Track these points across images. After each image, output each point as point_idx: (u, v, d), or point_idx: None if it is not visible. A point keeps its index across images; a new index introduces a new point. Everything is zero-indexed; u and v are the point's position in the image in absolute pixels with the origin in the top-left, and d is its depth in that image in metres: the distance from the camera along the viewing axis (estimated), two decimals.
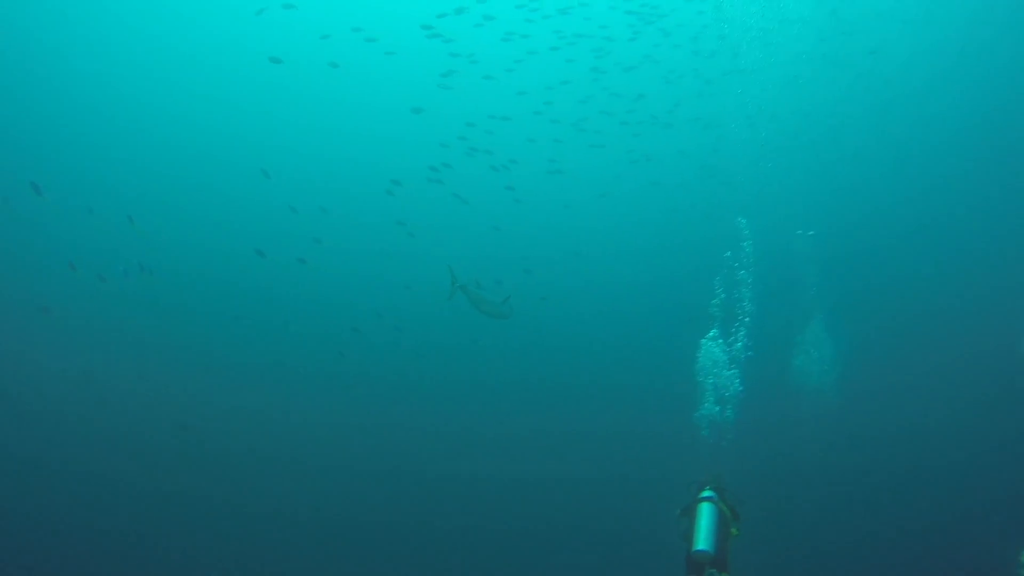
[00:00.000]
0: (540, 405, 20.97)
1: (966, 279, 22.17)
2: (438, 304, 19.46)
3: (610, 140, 23.34)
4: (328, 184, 24.04)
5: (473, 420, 20.37)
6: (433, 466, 18.96)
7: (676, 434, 12.36)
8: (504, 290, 14.73)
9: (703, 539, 7.51)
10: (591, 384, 21.53)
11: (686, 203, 24.07)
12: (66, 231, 21.05)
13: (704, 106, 23.05)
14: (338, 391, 21.38)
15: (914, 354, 20.54)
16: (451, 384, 21.66)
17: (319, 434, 19.92)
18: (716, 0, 22.27)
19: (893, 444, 17.73)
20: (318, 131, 25.25)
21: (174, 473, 17.69)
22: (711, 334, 11.96)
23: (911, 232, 23.96)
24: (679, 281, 21.96)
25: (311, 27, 22.12)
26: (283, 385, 21.40)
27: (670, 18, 22.03)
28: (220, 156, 24.46)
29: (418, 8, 21.39)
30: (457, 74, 19.87)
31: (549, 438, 19.58)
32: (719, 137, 22.90)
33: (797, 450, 17.21)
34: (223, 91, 24.73)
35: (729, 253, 14.25)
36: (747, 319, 12.70)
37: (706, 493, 7.94)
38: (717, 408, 11.53)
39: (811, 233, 20.38)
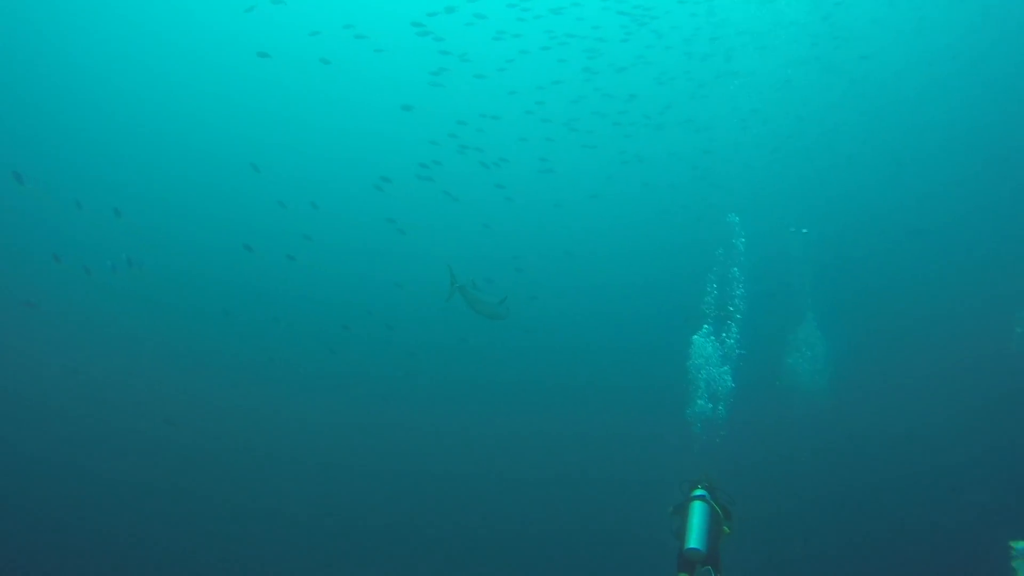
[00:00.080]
0: (531, 404, 20.90)
1: (957, 280, 22.29)
2: (428, 302, 19.45)
3: (602, 141, 23.28)
4: (317, 181, 23.95)
5: (463, 418, 20.26)
6: (422, 464, 18.82)
7: (668, 432, 12.29)
8: (494, 288, 14.62)
9: (695, 537, 7.44)
10: (582, 383, 21.49)
11: (678, 204, 24.02)
12: (53, 225, 20.85)
13: (696, 108, 23.05)
14: (328, 388, 21.26)
15: (905, 354, 20.64)
16: (441, 382, 21.57)
17: (308, 431, 19.77)
18: (709, 3, 22.26)
19: (884, 442, 17.75)
20: (307, 127, 25.18)
21: (159, 468, 17.50)
22: (703, 330, 11.89)
23: (903, 234, 24.06)
24: (671, 281, 21.96)
25: (301, 24, 22.01)
26: (272, 382, 21.25)
27: (663, 20, 21.98)
28: (210, 152, 24.39)
29: (409, 6, 21.29)
30: (448, 72, 19.74)
31: (539, 436, 19.50)
32: (711, 139, 22.90)
33: (789, 448, 17.24)
34: (213, 86, 24.70)
35: (721, 250, 14.21)
36: (739, 316, 12.64)
37: (698, 492, 7.86)
38: (709, 405, 11.46)
39: (805, 231, 20.40)
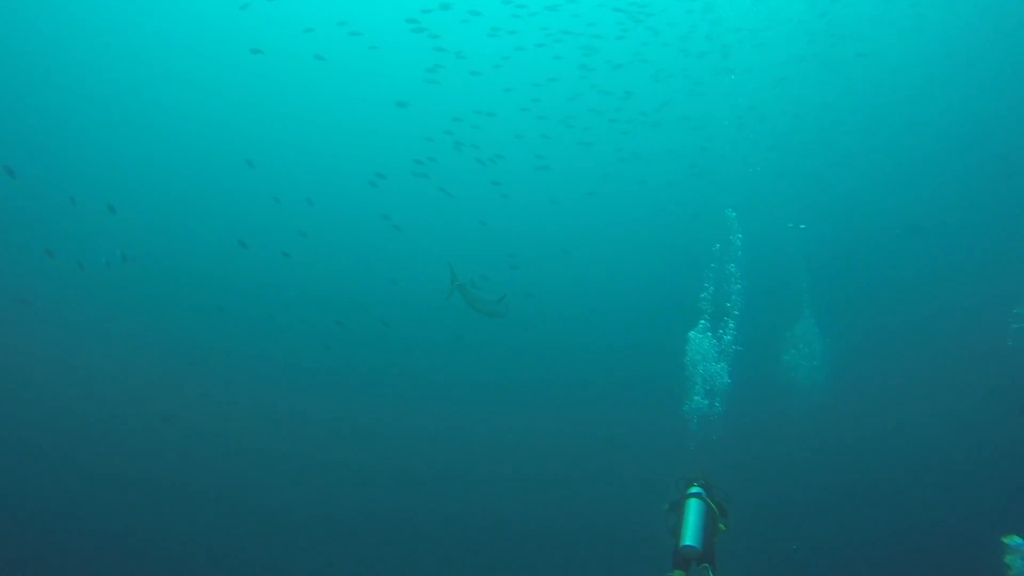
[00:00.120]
0: (526, 401, 20.87)
1: (954, 277, 22.30)
2: (424, 298, 19.40)
3: (598, 138, 23.22)
4: (312, 177, 23.86)
5: (458, 415, 20.22)
6: (417, 461, 18.78)
7: (664, 430, 12.25)
8: (490, 285, 14.56)
9: (690, 535, 7.47)
10: (578, 380, 21.44)
11: (674, 202, 23.95)
12: (47, 221, 20.78)
13: (693, 105, 23.00)
14: (322, 385, 21.19)
15: (901, 350, 20.70)
16: (437, 379, 21.50)
17: (302, 427, 19.74)
18: (706, 0, 22.23)
19: (881, 439, 17.79)
20: (302, 124, 25.09)
21: (153, 464, 17.45)
22: (700, 326, 11.84)
23: (900, 231, 24.05)
24: (667, 278, 21.90)
25: (295, 20, 21.95)
26: (267, 378, 21.21)
27: (659, 17, 21.95)
28: (205, 148, 24.26)
29: (403, 3, 21.17)
30: (443, 69, 19.67)
31: (535, 433, 19.47)
32: (708, 136, 22.85)
33: (786, 445, 17.24)
34: (208, 83, 24.61)
35: (719, 246, 14.16)
36: (736, 313, 12.60)
37: (694, 489, 7.88)
38: (706, 401, 11.43)
39: (803, 227, 20.38)
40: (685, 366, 11.70)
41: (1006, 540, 8.27)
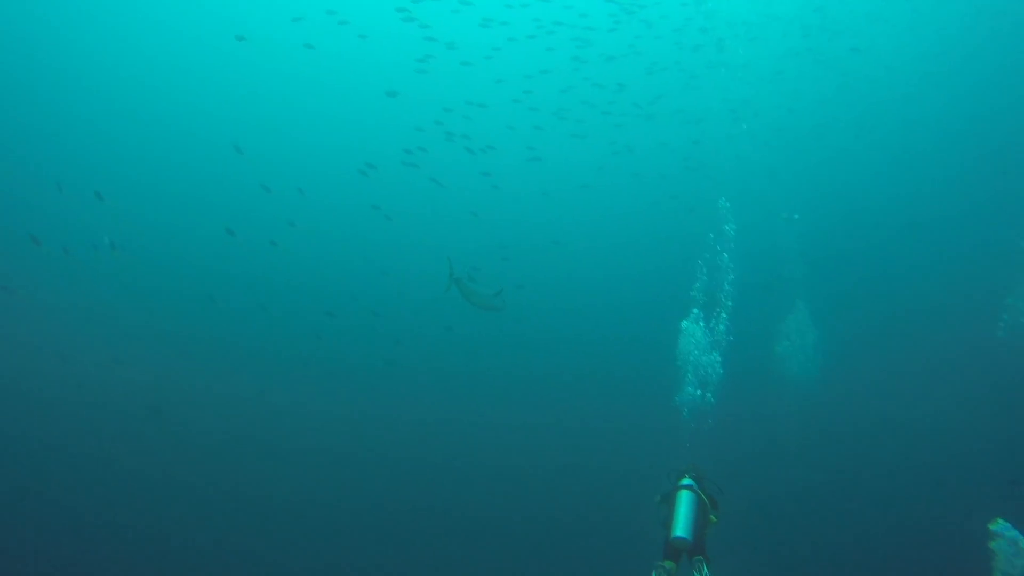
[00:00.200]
0: (518, 392, 20.87)
1: (946, 269, 22.33)
2: (414, 289, 19.30)
3: (591, 130, 23.11)
4: (302, 166, 23.73)
5: (449, 406, 20.18)
6: (407, 451, 18.70)
7: (656, 421, 12.19)
8: (481, 276, 14.45)
9: (681, 526, 7.43)
10: (570, 372, 21.40)
11: (667, 194, 23.86)
12: (33, 208, 20.61)
13: (687, 99, 22.90)
14: (312, 375, 21.14)
15: (894, 342, 20.75)
16: (427, 369, 21.41)
17: (291, 417, 19.68)
18: None
19: (872, 429, 17.83)
20: (291, 113, 24.95)
21: (143, 454, 17.36)
22: (692, 315, 11.75)
23: (893, 225, 24.06)
24: (660, 271, 21.83)
25: (284, 9, 21.81)
26: (256, 367, 21.15)
27: (652, 9, 21.82)
28: (194, 137, 24.14)
29: None
30: (434, 59, 19.53)
31: (526, 425, 19.45)
32: (702, 130, 22.78)
33: (778, 437, 17.27)
34: (197, 71, 24.42)
35: (712, 235, 14.09)
36: (729, 304, 12.50)
37: (685, 481, 7.82)
38: (698, 392, 11.34)
39: (796, 217, 20.35)
40: (677, 356, 11.62)
41: (991, 526, 8.28)
